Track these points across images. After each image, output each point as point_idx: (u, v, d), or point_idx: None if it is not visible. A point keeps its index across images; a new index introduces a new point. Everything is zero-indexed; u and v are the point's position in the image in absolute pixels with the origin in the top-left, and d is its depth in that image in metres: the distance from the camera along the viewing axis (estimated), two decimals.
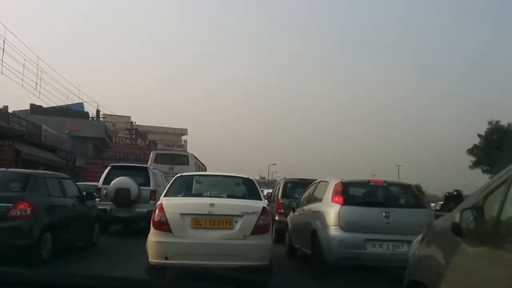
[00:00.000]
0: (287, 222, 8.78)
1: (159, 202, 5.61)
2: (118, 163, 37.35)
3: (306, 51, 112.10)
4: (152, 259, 5.27)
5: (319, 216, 6.44)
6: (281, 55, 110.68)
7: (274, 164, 70.36)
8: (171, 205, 5.55)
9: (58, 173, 9.10)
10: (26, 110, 28.70)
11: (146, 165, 13.43)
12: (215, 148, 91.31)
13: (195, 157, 18.85)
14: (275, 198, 11.88)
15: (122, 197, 10.57)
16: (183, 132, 60.76)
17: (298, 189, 11.58)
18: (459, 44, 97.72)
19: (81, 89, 49.95)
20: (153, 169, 12.15)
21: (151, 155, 18.01)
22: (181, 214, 5.38)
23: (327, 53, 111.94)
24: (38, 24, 79.42)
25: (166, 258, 5.23)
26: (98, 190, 10.87)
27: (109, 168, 11.81)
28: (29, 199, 6.47)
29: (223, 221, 5.40)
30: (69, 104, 30.87)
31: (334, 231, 6.03)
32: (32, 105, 28.91)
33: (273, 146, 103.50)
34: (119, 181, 10.60)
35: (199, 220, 5.36)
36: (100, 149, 32.76)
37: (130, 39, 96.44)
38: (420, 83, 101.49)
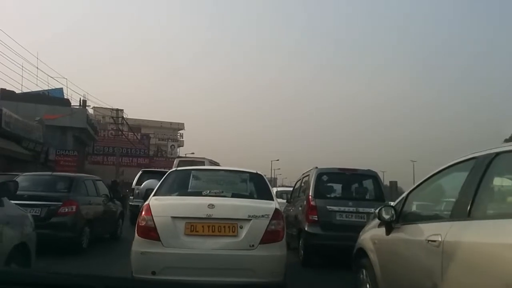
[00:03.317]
0: (361, 248, 4.65)
1: (146, 203, 4.91)
2: (104, 158, 33.54)
3: (306, 48, 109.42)
4: (137, 273, 4.60)
5: None
6: (280, 52, 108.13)
7: (278, 160, 67.02)
8: (160, 206, 4.87)
9: (92, 175, 11.10)
10: None
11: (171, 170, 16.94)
12: (213, 145, 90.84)
13: (212, 162, 20.85)
14: (301, 197, 9.12)
15: None
16: (180, 126, 58.82)
17: (339, 184, 9.09)
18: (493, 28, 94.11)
19: (41, 58, 45.60)
20: None
21: (174, 162, 20.92)
22: (173, 217, 4.69)
23: (328, 49, 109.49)
24: (38, 20, 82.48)
25: (154, 273, 4.50)
26: (132, 190, 14.82)
27: (140, 172, 15.68)
28: (74, 199, 8.22)
29: (226, 226, 4.67)
30: (47, 90, 27.31)
31: None
32: (3, 90, 25.97)
33: (272, 144, 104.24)
34: (148, 183, 13.17)
35: (195, 225, 4.66)
36: (82, 141, 29.71)
37: (130, 35, 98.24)
38: (448, 65, 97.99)
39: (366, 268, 4.41)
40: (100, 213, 9.32)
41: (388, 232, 4.00)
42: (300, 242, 8.21)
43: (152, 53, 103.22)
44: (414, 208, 4.08)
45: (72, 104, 29.25)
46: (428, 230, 3.26)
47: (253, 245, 4.62)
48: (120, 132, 32.19)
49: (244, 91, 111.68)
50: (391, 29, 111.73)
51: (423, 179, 4.04)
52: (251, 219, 4.69)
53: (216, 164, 21.46)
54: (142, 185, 13.90)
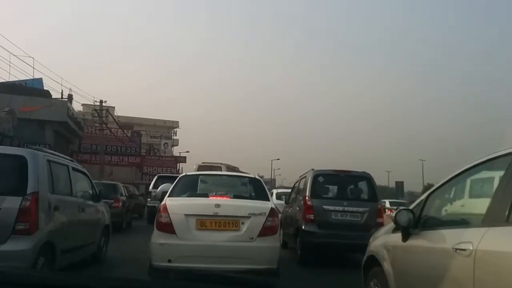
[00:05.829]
0: (372, 256, 4.36)
1: (163, 203, 5.95)
2: (92, 156, 31.21)
3: (308, 47, 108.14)
4: (155, 261, 5.65)
5: None
6: (281, 52, 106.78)
7: (278, 159, 64.90)
8: (175, 205, 5.87)
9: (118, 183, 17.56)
10: None
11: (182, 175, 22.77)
12: (213, 145, 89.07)
13: (229, 167, 21.93)
14: (298, 198, 9.61)
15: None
16: (174, 125, 56.64)
17: (334, 185, 9.62)
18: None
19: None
20: None
21: (194, 167, 22.36)
22: (186, 215, 5.68)
23: (330, 48, 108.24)
24: (35, 19, 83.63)
25: (170, 261, 5.49)
26: (149, 192, 18.45)
27: (156, 177, 19.48)
28: (120, 198, 14.16)
29: (229, 222, 5.62)
30: (23, 80, 25.01)
31: None
32: None
33: (271, 145, 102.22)
34: (164, 186, 15.18)
35: (204, 221, 5.63)
36: (65, 137, 27.63)
37: (129, 35, 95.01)
38: (455, 64, 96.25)
39: (379, 279, 4.19)
40: (128, 207, 15.32)
41: (405, 238, 3.74)
42: (298, 240, 8.79)
43: (151, 53, 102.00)
44: (435, 212, 3.86)
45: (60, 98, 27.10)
46: (455, 237, 2.99)
47: (252, 238, 5.58)
48: (104, 125, 30.11)
49: (244, 91, 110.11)
50: (394, 28, 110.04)
51: (445, 179, 3.70)
52: (250, 216, 5.63)
53: (235, 168, 23.15)
54: (158, 189, 16.99)
